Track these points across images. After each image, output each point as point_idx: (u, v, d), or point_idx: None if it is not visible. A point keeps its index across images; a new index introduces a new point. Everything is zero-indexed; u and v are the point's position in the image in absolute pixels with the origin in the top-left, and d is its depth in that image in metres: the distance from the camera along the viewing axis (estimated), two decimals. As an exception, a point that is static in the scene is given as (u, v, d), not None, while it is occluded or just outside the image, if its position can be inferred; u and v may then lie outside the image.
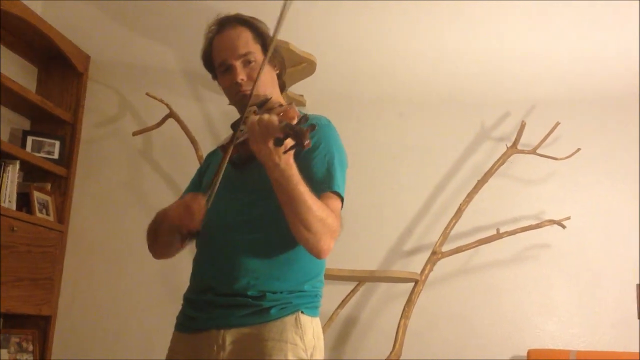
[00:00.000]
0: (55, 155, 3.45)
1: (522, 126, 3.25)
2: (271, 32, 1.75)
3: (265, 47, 1.79)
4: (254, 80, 1.73)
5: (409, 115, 3.48)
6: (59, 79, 3.59)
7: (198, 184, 1.93)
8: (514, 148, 3.25)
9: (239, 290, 1.63)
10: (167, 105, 3.34)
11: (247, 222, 1.69)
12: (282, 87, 1.91)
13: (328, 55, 3.39)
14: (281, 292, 1.64)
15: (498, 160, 3.24)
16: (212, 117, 3.54)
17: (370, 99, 3.52)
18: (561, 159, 3.22)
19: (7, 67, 3.27)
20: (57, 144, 3.47)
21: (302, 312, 1.64)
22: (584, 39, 3.39)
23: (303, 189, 1.52)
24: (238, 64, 1.77)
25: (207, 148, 3.24)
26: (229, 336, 1.61)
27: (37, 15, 3.27)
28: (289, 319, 1.62)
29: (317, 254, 1.60)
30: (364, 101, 3.51)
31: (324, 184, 1.64)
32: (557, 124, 3.24)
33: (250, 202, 1.70)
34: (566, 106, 3.37)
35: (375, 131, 3.47)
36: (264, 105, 1.67)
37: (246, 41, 1.79)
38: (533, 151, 3.25)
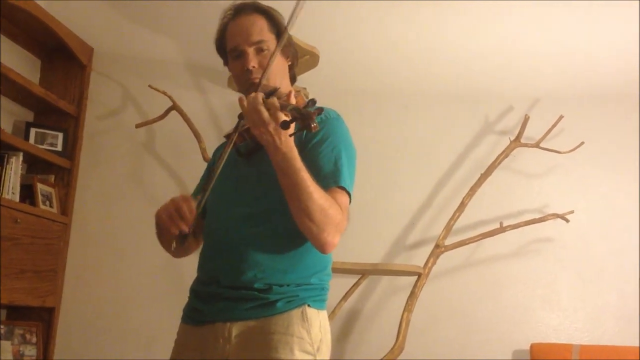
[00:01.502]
0: (59, 147, 3.45)
1: (526, 120, 3.25)
2: (284, 24, 1.73)
3: (279, 38, 1.77)
4: (265, 68, 1.72)
5: (413, 109, 3.48)
6: (63, 71, 3.59)
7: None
8: (517, 141, 3.25)
9: (246, 283, 1.62)
10: (170, 97, 3.34)
11: (254, 214, 1.68)
12: (293, 79, 1.90)
13: (331, 47, 3.38)
14: (288, 285, 1.63)
15: (501, 153, 3.24)
16: (215, 110, 3.54)
17: (373, 92, 3.51)
18: (564, 152, 3.22)
19: (10, 59, 3.27)
20: (61, 136, 3.47)
21: (308, 305, 1.63)
22: (588, 33, 3.37)
23: (305, 176, 1.51)
24: (251, 50, 1.75)
25: (210, 140, 3.25)
26: (235, 329, 1.61)
27: (41, 8, 3.26)
28: (295, 312, 1.61)
29: (320, 246, 1.58)
30: (368, 94, 3.51)
31: (330, 178, 1.62)
32: (561, 117, 3.24)
33: (256, 194, 1.70)
34: (569, 100, 3.37)
35: (379, 124, 3.47)
36: (272, 95, 1.65)
37: (261, 29, 1.77)
38: (536, 145, 3.24)
